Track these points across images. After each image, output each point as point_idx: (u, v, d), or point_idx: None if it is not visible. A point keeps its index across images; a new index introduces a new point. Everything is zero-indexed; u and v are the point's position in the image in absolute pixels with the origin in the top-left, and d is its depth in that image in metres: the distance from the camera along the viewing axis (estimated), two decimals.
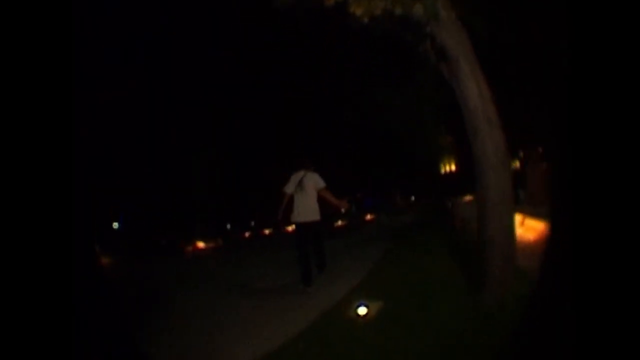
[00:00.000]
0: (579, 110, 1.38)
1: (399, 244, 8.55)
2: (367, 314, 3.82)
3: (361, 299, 4.03)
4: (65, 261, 1.36)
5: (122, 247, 21.95)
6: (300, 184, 5.37)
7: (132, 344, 2.25)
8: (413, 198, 39.12)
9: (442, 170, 30.56)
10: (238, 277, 7.36)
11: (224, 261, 12.39)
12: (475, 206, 3.71)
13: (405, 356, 2.87)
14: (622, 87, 1.29)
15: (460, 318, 3.28)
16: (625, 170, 1.27)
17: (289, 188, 5.45)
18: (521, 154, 12.24)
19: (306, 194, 5.34)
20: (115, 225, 27.98)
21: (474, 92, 3.39)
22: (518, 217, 4.65)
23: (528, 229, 4.96)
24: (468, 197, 17.89)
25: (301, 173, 5.49)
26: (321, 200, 5.46)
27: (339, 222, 20.99)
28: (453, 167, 26.09)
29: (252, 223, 33.10)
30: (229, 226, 33.02)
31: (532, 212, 5.27)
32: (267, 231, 29.18)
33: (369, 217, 24.38)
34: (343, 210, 6.23)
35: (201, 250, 21.79)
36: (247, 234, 30.88)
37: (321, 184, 5.41)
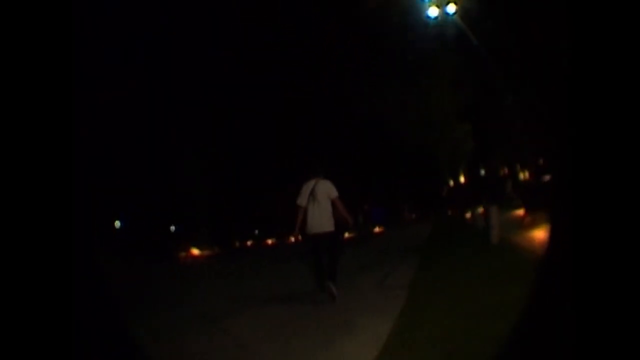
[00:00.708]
0: (580, 110, 1.36)
1: (431, 262, 6.87)
2: None
3: None
4: (65, 261, 1.36)
5: (122, 246, 21.65)
6: (312, 194, 5.18)
7: (133, 344, 2.03)
8: (420, 211, 38.17)
9: (451, 183, 29.25)
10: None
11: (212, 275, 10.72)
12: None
13: None
14: (624, 87, 1.28)
15: None
16: (627, 171, 1.27)
17: (302, 200, 5.23)
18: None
19: (319, 205, 5.15)
20: (118, 224, 28.28)
21: None
22: None
23: None
24: (481, 209, 16.22)
25: (312, 182, 5.26)
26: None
27: (346, 235, 19.41)
28: (462, 179, 25.16)
29: (256, 232, 32.38)
30: (231, 234, 32.71)
31: None
32: (269, 241, 28.21)
33: (377, 229, 22.78)
34: (349, 224, 5.66)
35: (195, 257, 20.29)
36: (249, 243, 29.88)
37: (334, 193, 5.19)
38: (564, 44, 1.45)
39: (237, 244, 30.57)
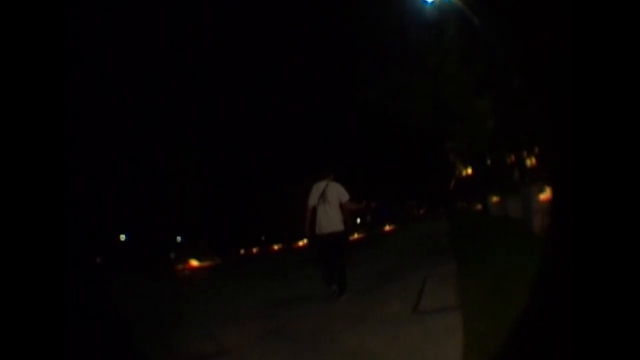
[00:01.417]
0: (581, 110, 1.32)
1: (470, 267, 5.36)
2: None
3: None
4: (60, 270, 1.32)
5: (126, 259, 21.78)
6: (323, 196, 5.29)
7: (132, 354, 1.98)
8: (427, 205, 37.26)
9: (462, 174, 28.11)
10: None
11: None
12: None
13: None
14: (626, 87, 1.25)
15: None
16: (629, 172, 1.24)
17: (312, 200, 5.34)
18: None
19: (330, 206, 5.25)
20: (123, 237, 28.97)
21: None
22: None
23: None
24: (495, 199, 14.74)
25: (323, 183, 5.36)
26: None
27: (355, 235, 17.95)
28: (469, 171, 24.32)
29: (263, 238, 31.65)
30: (232, 241, 31.80)
31: None
32: (276, 247, 27.57)
33: (388, 228, 21.30)
34: (360, 206, 5.47)
35: (195, 269, 18.82)
36: (254, 250, 28.88)
37: (345, 196, 5.32)
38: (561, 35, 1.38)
39: (243, 251, 29.35)
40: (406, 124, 16.60)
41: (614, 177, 1.24)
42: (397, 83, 13.91)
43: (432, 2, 15.14)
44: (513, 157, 20.44)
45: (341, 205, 5.30)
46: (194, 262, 19.85)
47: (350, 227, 6.15)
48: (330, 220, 5.17)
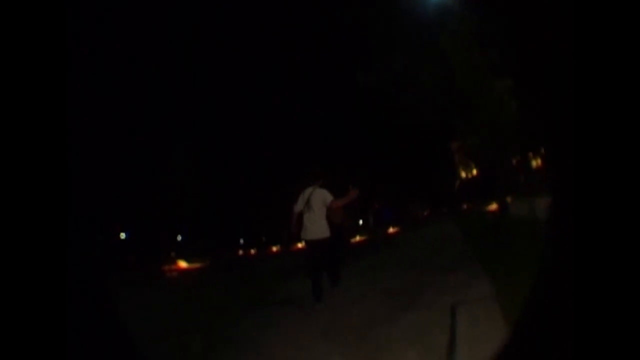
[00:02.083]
0: (582, 110, 1.32)
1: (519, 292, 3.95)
2: None
3: None
4: (59, 270, 1.31)
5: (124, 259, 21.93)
6: (308, 203, 5.37)
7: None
8: (431, 207, 36.67)
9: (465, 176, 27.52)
10: None
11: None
12: None
13: None
14: (627, 87, 1.25)
15: None
16: (629, 172, 1.24)
17: (297, 206, 5.46)
18: None
19: (313, 212, 5.34)
20: (123, 235, 28.79)
21: None
22: None
23: None
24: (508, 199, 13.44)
25: (309, 190, 5.48)
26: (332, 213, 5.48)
27: (357, 238, 16.59)
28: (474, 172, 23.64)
29: (264, 239, 31.15)
30: (241, 241, 31.77)
31: None
32: (274, 248, 26.79)
33: (392, 230, 19.93)
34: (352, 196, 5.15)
35: (183, 271, 17.50)
36: (252, 251, 28.06)
37: (328, 198, 5.36)
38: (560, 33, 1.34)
39: (241, 252, 28.48)
40: (411, 119, 15.24)
41: (614, 177, 1.21)
42: (403, 67, 12.52)
43: None
44: (519, 158, 19.24)
45: (331, 209, 5.39)
46: (182, 264, 18.54)
47: (349, 228, 6.03)
48: (313, 226, 5.23)
